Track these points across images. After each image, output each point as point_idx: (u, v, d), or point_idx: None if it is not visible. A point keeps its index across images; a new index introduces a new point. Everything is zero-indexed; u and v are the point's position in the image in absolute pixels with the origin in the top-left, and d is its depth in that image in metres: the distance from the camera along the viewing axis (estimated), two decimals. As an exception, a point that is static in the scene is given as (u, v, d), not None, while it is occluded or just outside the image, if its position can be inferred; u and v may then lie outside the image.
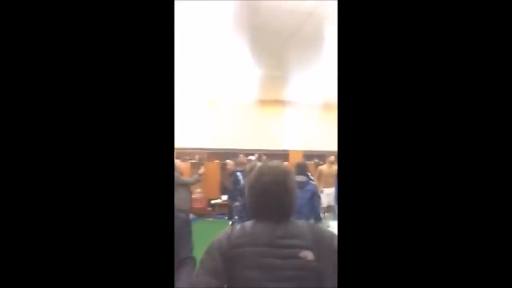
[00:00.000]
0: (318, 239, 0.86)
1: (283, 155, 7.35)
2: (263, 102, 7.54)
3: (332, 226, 3.26)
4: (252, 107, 7.46)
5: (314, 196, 3.06)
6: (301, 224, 0.91)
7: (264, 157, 6.08)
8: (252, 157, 5.69)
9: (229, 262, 0.84)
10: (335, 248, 0.82)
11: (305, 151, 7.62)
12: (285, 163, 1.05)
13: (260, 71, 5.22)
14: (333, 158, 5.94)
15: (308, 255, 0.83)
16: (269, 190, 0.90)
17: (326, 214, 5.52)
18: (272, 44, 3.94)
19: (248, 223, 0.91)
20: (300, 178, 2.85)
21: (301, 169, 3.12)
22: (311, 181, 3.35)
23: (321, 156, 7.43)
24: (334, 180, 5.76)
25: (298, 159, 7.45)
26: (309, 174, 3.30)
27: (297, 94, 6.93)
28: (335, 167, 5.75)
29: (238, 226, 0.92)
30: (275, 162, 0.99)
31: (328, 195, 5.61)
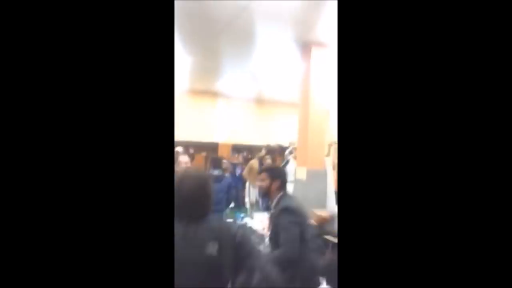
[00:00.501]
0: (223, 233, 1.05)
1: (212, 147, 7.31)
2: (193, 92, 7.33)
3: (255, 217, 3.47)
4: (181, 97, 7.20)
5: (230, 189, 3.62)
6: (212, 220, 1.10)
7: (191, 150, 5.94)
8: (179, 149, 5.50)
9: None
10: (237, 240, 1.03)
11: (234, 144, 7.69)
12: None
13: (190, 59, 5.04)
14: (263, 152, 6.15)
15: (213, 247, 1.01)
16: (189, 197, 1.07)
17: (250, 205, 5.75)
18: (204, 33, 3.83)
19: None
20: (216, 172, 3.32)
21: (217, 163, 3.54)
22: (226, 175, 3.97)
23: (250, 150, 7.60)
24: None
25: (227, 152, 7.51)
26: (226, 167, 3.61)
27: (229, 87, 6.91)
28: (267, 161, 5.99)
29: None
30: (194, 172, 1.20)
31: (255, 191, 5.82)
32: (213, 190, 1.14)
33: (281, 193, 1.83)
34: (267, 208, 5.59)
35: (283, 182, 1.89)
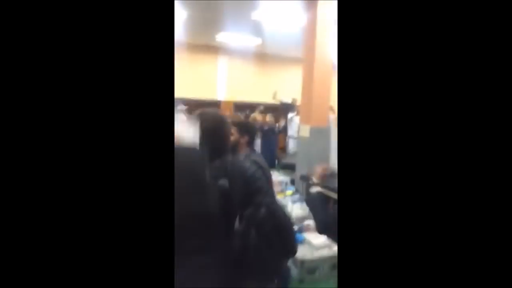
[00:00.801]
0: (234, 171, 1.15)
1: (214, 105, 7.27)
2: (192, 47, 7.11)
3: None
4: (179, 52, 7.00)
5: None
6: (227, 160, 1.18)
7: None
8: (182, 107, 5.51)
9: None
10: (245, 178, 1.17)
11: (236, 102, 7.64)
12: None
13: (188, 11, 4.81)
14: (262, 108, 6.20)
15: (225, 182, 1.09)
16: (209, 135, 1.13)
17: None
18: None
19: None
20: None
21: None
22: None
23: (253, 108, 7.57)
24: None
25: (230, 110, 7.48)
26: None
27: (230, 41, 6.68)
28: (265, 117, 6.08)
29: None
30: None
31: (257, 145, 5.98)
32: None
33: (248, 149, 1.79)
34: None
35: (252, 138, 1.86)
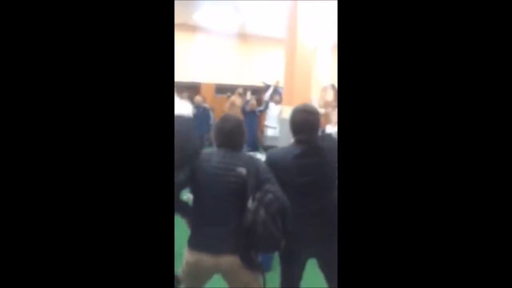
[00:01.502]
0: (249, 162, 1.48)
1: (194, 87, 7.19)
2: (170, 26, 6.94)
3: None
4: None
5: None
6: (242, 153, 1.56)
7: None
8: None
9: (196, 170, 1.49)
10: (258, 168, 1.46)
11: (217, 84, 7.59)
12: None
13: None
14: (241, 90, 6.21)
15: (242, 170, 1.43)
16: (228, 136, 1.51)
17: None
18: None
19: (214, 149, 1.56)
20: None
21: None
22: None
23: (233, 90, 7.54)
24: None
25: (210, 92, 7.43)
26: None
27: (208, 20, 6.56)
28: (243, 100, 6.11)
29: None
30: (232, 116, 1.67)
31: None
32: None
33: None
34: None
35: None
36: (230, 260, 1.39)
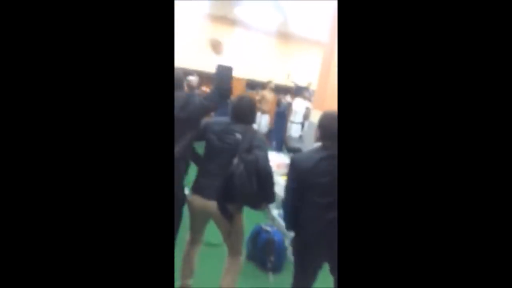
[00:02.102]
0: (247, 131, 1.79)
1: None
2: (209, 18, 7.09)
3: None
4: (195, 21, 6.98)
5: None
6: (247, 125, 1.85)
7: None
8: (192, 77, 5.59)
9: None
10: (254, 136, 1.78)
11: (249, 80, 7.67)
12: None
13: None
14: (273, 84, 6.26)
15: (239, 135, 1.76)
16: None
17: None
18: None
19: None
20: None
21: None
22: None
23: (265, 87, 7.58)
24: (273, 107, 6.28)
25: (241, 87, 7.53)
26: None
27: (249, 15, 6.65)
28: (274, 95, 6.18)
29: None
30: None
31: (265, 121, 6.12)
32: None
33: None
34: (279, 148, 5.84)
35: None
36: (214, 205, 1.71)
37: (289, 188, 1.61)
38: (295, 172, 1.55)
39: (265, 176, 1.68)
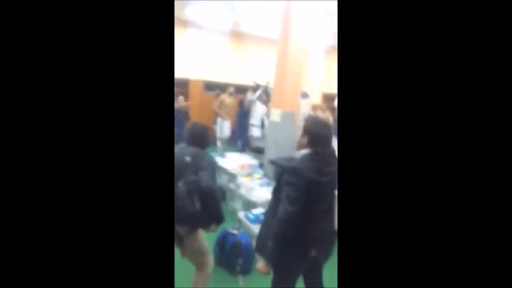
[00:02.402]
0: (196, 155, 1.88)
1: (182, 84, 7.18)
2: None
3: (227, 156, 4.02)
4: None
5: None
6: (198, 149, 1.94)
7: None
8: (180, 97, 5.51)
9: None
10: (201, 160, 1.84)
11: (207, 82, 7.59)
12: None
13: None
14: (232, 89, 6.23)
15: (188, 158, 1.84)
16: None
17: (221, 143, 6.08)
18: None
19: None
20: None
21: None
22: None
23: (223, 88, 7.56)
24: (233, 111, 6.21)
25: (199, 89, 7.43)
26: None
27: (201, 15, 6.57)
28: (236, 99, 6.16)
29: None
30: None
31: (227, 126, 6.10)
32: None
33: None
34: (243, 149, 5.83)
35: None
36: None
37: (292, 199, 1.41)
38: (300, 181, 1.42)
39: (207, 195, 1.74)
